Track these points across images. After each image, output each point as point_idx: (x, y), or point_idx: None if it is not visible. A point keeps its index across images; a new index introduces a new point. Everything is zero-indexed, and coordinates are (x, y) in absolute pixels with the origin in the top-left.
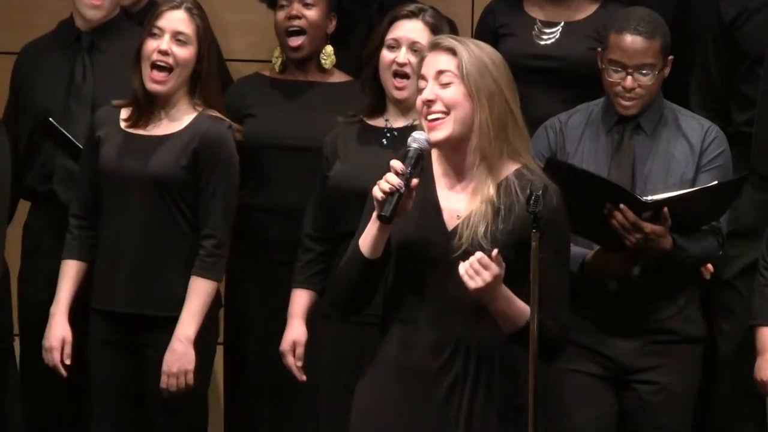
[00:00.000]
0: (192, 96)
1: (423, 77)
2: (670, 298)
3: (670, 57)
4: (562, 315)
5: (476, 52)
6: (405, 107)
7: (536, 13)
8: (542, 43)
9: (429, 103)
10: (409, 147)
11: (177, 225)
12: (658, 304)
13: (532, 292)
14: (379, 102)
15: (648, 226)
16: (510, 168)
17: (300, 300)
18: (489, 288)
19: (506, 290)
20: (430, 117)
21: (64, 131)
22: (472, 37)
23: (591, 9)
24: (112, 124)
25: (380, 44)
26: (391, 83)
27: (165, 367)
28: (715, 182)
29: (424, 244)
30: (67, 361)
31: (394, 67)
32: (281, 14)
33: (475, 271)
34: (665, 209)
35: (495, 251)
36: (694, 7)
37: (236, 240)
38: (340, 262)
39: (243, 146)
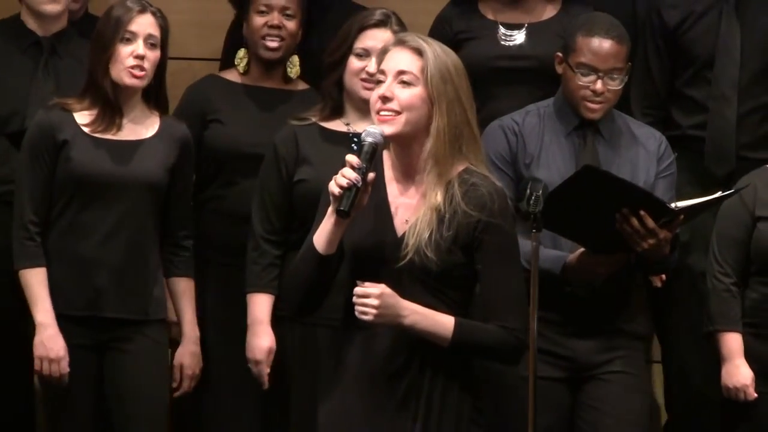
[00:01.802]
0: (147, 100)
1: (383, 72)
2: (625, 300)
3: (629, 63)
4: (510, 318)
5: (442, 56)
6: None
7: (496, 17)
8: (509, 44)
9: (384, 99)
10: (364, 141)
11: (155, 227)
12: (615, 306)
13: (532, 292)
14: (338, 106)
15: (662, 232)
16: (456, 171)
17: (263, 305)
18: (384, 310)
19: (413, 306)
20: (381, 113)
21: None
22: None
23: (552, 11)
24: (72, 129)
25: (348, 51)
26: (359, 86)
27: (189, 371)
28: (731, 191)
29: (375, 249)
30: (68, 370)
31: (363, 75)
32: (260, 20)
33: (361, 305)
34: (681, 217)
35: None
36: (633, 11)
37: (201, 244)
38: None
39: (209, 152)
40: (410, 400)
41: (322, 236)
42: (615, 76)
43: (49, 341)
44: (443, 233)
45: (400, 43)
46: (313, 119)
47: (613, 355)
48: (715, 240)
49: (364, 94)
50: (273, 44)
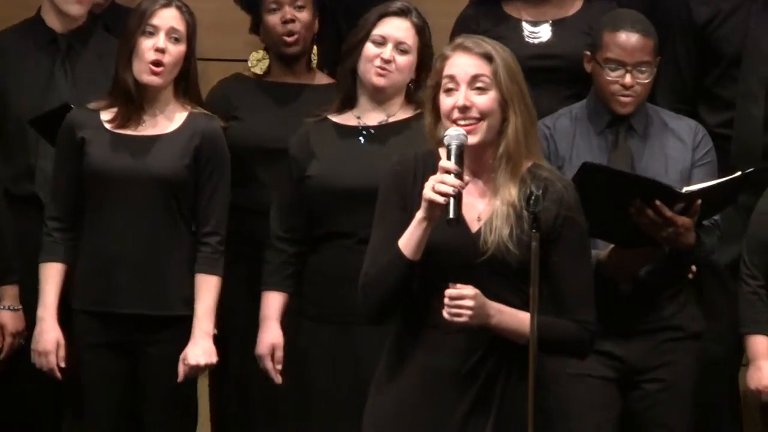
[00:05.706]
0: (178, 94)
1: (452, 79)
2: (673, 296)
3: (658, 57)
4: (582, 312)
5: (504, 55)
6: (381, 98)
7: (519, 14)
8: (535, 42)
9: (464, 109)
10: (450, 145)
11: (176, 223)
12: (663, 303)
13: (532, 292)
14: (350, 96)
15: (680, 219)
16: (525, 167)
17: (274, 302)
18: (477, 311)
19: (497, 305)
20: (462, 122)
21: None
22: None
23: (576, 5)
24: (94, 126)
25: (365, 37)
26: (372, 71)
27: (192, 361)
28: (740, 172)
29: (450, 247)
30: (62, 364)
31: (378, 62)
32: (274, 18)
33: (455, 307)
34: (698, 201)
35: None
36: (661, 7)
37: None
38: (324, 262)
39: (230, 148)
40: (484, 397)
41: (412, 242)
42: (643, 69)
43: (41, 335)
44: (523, 228)
45: (463, 49)
46: (327, 115)
47: (666, 359)
48: (745, 243)
49: (376, 80)
50: (290, 38)
